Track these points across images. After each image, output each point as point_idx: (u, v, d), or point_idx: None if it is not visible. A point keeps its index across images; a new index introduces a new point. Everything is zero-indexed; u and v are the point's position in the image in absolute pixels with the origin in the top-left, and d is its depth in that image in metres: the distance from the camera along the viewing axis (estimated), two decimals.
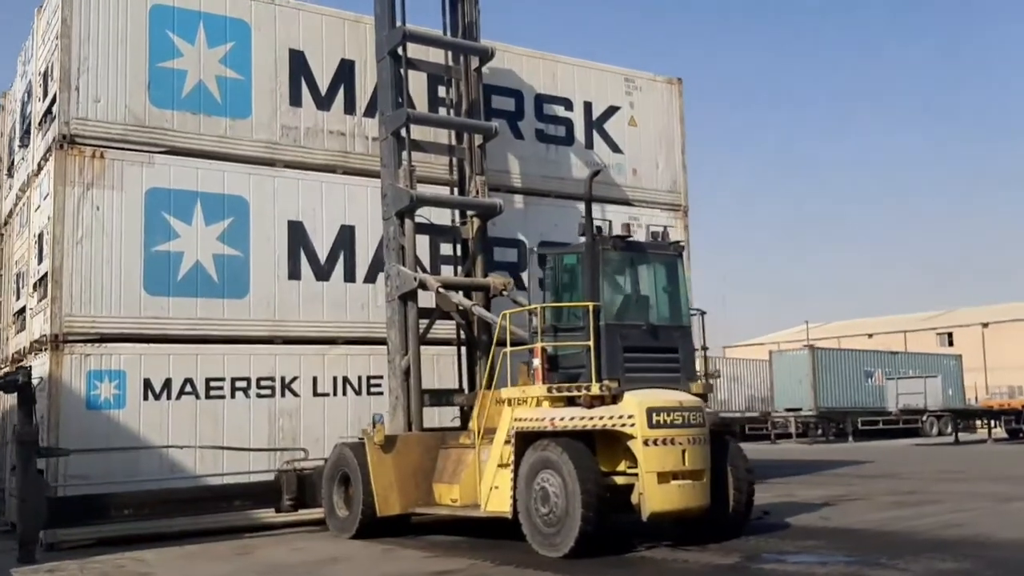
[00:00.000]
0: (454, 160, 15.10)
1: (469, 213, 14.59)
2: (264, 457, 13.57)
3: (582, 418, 10.23)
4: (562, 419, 10.30)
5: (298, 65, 14.76)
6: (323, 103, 14.91)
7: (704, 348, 11.84)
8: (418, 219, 13.99)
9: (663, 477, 10.11)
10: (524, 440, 10.57)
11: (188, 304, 13.44)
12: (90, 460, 12.38)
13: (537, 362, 10.56)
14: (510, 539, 10.69)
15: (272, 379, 13.89)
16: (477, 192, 14.51)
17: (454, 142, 15.04)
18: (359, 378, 14.54)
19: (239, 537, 12.44)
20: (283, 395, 13.94)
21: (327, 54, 15.06)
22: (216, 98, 14.02)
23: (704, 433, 10.52)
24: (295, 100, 14.67)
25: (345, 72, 15.14)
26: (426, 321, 13.76)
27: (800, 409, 39.54)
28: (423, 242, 14.97)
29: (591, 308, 10.50)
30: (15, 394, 11.57)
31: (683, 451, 10.22)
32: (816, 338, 53.47)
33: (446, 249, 15.23)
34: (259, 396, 13.77)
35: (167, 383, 13.15)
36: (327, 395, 14.29)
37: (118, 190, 13.16)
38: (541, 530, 10.21)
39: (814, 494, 16.01)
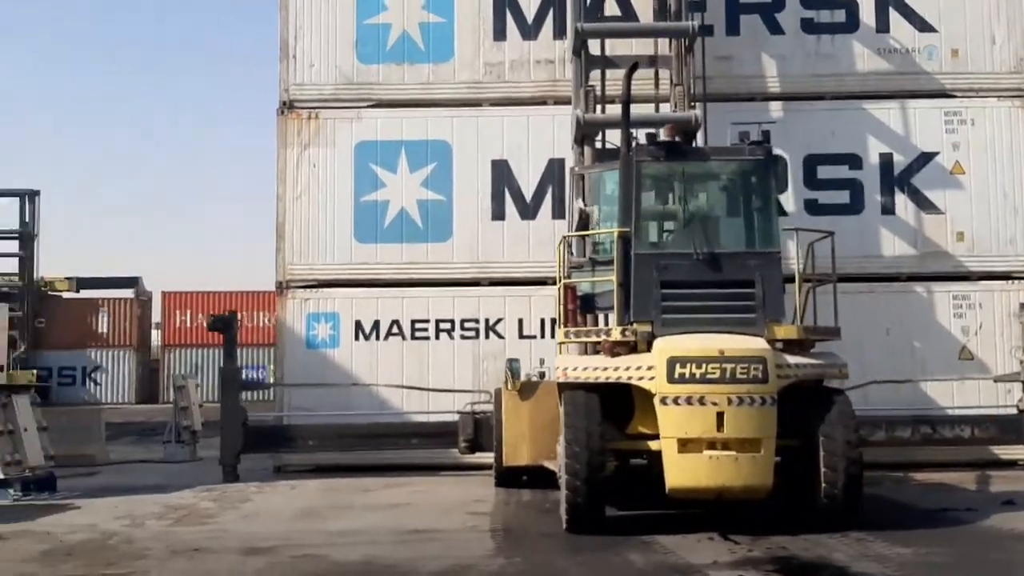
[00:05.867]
0: (658, 73, 13.30)
1: None
2: (470, 398, 13.62)
3: (595, 368, 8.51)
4: (575, 369, 8.68)
5: None
6: (529, 32, 14.19)
7: (835, 281, 8.95)
8: (609, 145, 12.72)
9: (689, 445, 7.99)
10: (560, 392, 9.14)
11: (394, 250, 13.99)
12: (311, 394, 13.66)
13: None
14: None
15: (476, 321, 13.85)
16: (676, 106, 12.63)
17: (663, 52, 13.26)
18: None
19: (415, 474, 12.73)
20: (487, 337, 13.81)
21: None
22: (419, 45, 14.22)
23: (763, 392, 8.02)
24: (499, 34, 14.20)
25: None
26: None
27: None
28: None
29: (616, 235, 8.62)
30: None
31: (719, 413, 7.95)
32: None
33: None
34: (463, 338, 13.84)
35: (376, 325, 13.90)
36: (534, 337, 13.77)
37: (330, 147, 14.14)
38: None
39: None
